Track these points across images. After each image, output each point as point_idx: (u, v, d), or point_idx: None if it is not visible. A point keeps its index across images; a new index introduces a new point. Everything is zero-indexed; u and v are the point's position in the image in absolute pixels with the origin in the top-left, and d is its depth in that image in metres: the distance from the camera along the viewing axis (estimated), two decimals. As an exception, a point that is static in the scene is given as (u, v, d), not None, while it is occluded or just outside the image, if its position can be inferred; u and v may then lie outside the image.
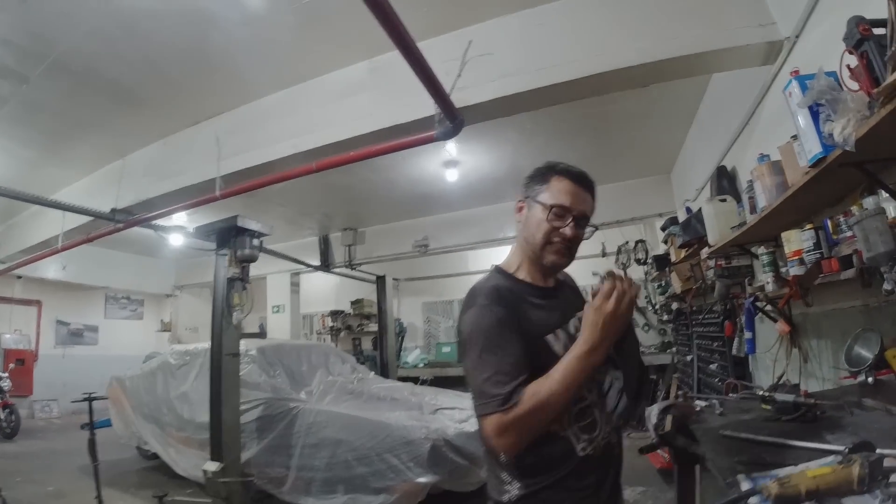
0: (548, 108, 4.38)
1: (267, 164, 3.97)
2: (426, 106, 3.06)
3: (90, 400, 4.03)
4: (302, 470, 4.17)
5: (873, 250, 1.38)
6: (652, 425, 2.02)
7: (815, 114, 1.71)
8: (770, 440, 1.51)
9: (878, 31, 1.43)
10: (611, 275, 1.23)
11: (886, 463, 1.14)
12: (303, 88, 3.95)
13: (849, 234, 1.95)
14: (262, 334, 9.67)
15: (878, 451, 1.18)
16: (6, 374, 8.31)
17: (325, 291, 11.22)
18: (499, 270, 1.43)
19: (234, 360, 4.44)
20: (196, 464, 4.42)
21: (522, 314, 1.28)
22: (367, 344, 10.83)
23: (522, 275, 1.40)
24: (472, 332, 1.25)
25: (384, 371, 8.30)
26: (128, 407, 5.80)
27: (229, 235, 4.48)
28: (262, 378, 4.85)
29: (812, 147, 1.75)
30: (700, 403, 2.23)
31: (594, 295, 1.21)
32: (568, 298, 1.46)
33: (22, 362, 9.79)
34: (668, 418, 2.02)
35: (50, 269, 9.06)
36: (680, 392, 2.41)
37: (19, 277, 9.34)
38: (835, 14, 2.20)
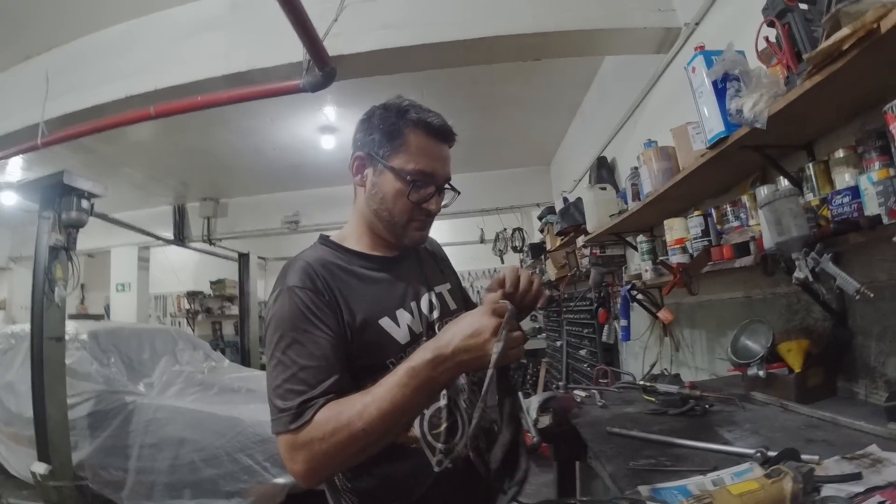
0: (435, 84, 4.16)
1: (98, 108, 3.21)
2: (293, 50, 2.61)
3: None
4: (141, 473, 3.72)
5: (786, 234, 1.27)
6: (531, 421, 1.85)
7: (720, 91, 1.61)
8: (666, 440, 1.38)
9: (802, 6, 1.32)
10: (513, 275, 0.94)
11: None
12: (150, 21, 3.24)
13: (735, 223, 1.92)
14: (101, 316, 8.36)
15: (801, 456, 1.06)
16: None
17: (182, 270, 10.00)
18: (325, 242, 1.12)
19: (58, 346, 3.77)
20: (28, 464, 3.79)
21: (348, 294, 0.99)
22: (228, 328, 10.00)
23: (354, 244, 1.12)
24: (269, 325, 0.96)
25: (246, 359, 7.66)
26: None
27: (54, 195, 3.72)
28: (93, 367, 4.19)
29: (714, 126, 1.65)
30: (579, 394, 2.13)
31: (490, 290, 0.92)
32: (417, 267, 1.16)
33: None
34: (549, 414, 1.88)
35: None
36: (559, 384, 2.27)
37: None
38: (732, 5, 2.18)
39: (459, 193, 1.13)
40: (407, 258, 1.15)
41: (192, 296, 9.87)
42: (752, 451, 1.14)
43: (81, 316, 8.26)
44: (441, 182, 1.08)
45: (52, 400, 3.64)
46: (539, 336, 7.46)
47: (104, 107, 3.16)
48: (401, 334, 1.01)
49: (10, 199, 5.54)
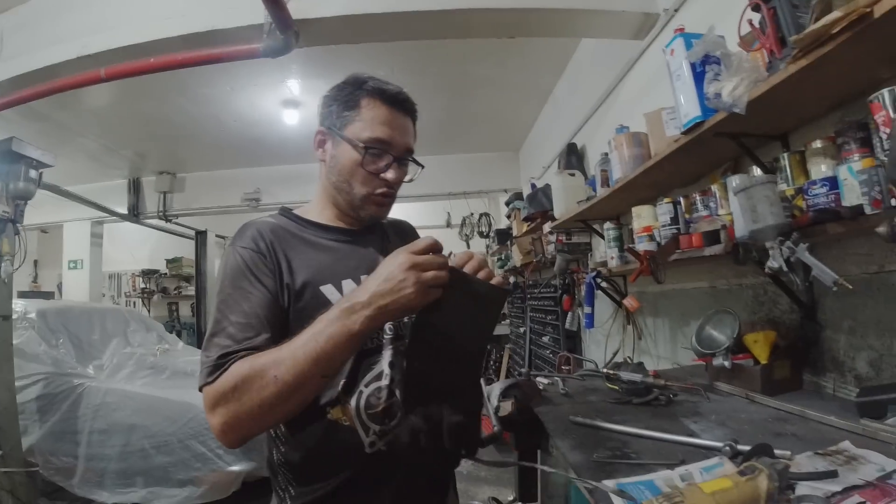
0: (406, 60, 4.03)
1: (49, 69, 2.96)
2: (254, 12, 2.45)
3: None
4: (92, 460, 3.62)
5: (760, 222, 1.24)
6: (492, 409, 1.80)
7: (698, 75, 1.57)
8: (631, 431, 1.34)
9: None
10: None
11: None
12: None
13: (704, 213, 1.91)
14: (51, 294, 7.93)
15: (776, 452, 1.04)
16: None
17: (137, 247, 9.59)
18: (283, 212, 1.11)
19: (5, 325, 3.55)
20: None
21: (294, 256, 0.99)
22: (185, 310, 9.59)
23: (315, 217, 1.10)
24: (217, 283, 1.01)
25: (202, 341, 7.33)
26: None
27: (1, 163, 3.47)
28: (41, 348, 4.01)
29: (689, 110, 1.61)
30: (542, 381, 2.10)
31: None
32: (379, 243, 1.11)
33: None
34: (510, 402, 1.84)
35: None
36: (522, 370, 2.23)
37: None
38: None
39: (423, 167, 1.10)
40: (370, 233, 1.12)
41: (147, 275, 9.47)
42: (720, 445, 1.11)
43: (31, 294, 7.79)
44: (399, 152, 1.04)
45: (0, 382, 3.45)
46: (502, 322, 7.51)
47: (55, 68, 2.91)
48: None
49: None
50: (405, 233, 1.25)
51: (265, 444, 1.02)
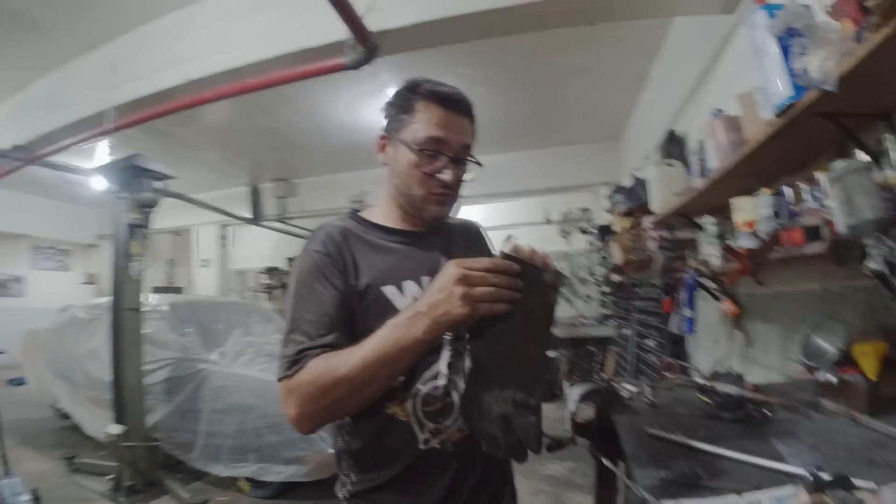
0: (488, 55, 4.00)
1: (160, 94, 3.37)
2: (338, 29, 2.56)
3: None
4: (210, 436, 3.90)
5: (857, 217, 1.06)
6: (569, 414, 1.72)
7: (784, 50, 1.37)
8: (707, 449, 1.22)
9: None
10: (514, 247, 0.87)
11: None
12: (202, 7, 3.34)
13: (812, 205, 1.66)
14: (180, 289, 9.00)
15: (854, 483, 0.89)
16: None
17: (261, 247, 10.47)
18: (350, 215, 1.15)
19: (135, 316, 4.05)
20: (105, 426, 4.10)
21: (359, 258, 1.03)
22: (302, 304, 10.33)
23: (380, 219, 1.12)
24: (291, 282, 1.03)
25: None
26: (41, 363, 5.35)
27: (129, 176, 3.96)
28: (170, 336, 4.45)
29: (780, 89, 1.42)
30: (629, 389, 1.96)
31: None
32: (444, 245, 1.12)
33: (-63, 315, 8.75)
34: (590, 407, 1.74)
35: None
36: (604, 376, 2.10)
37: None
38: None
39: (482, 165, 1.10)
40: (435, 236, 1.13)
41: (270, 272, 10.33)
42: (801, 472, 0.97)
43: (163, 289, 8.92)
44: (455, 151, 1.04)
45: (129, 366, 3.92)
46: (606, 322, 7.19)
47: (167, 92, 3.30)
48: (402, 304, 0.99)
49: (100, 184, 5.89)
50: (471, 234, 1.26)
51: (332, 432, 1.08)
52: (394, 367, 0.86)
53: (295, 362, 0.90)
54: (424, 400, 0.98)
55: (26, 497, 3.24)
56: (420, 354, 0.86)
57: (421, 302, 0.84)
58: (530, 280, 0.82)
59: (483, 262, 0.82)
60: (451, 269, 0.82)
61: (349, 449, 1.03)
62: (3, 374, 6.81)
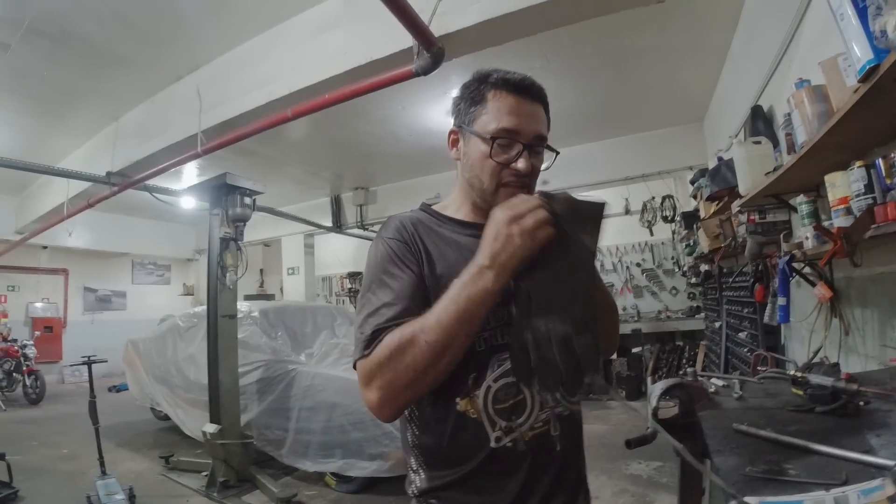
0: (558, 46, 3.94)
1: (244, 115, 3.65)
2: (404, 38, 2.64)
3: (89, 364, 4.09)
4: (300, 433, 4.13)
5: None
6: (650, 409, 1.67)
7: (860, 11, 1.26)
8: (799, 443, 1.14)
9: None
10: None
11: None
12: (277, 31, 3.58)
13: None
14: (271, 296, 9.60)
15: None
16: (31, 342, 8.51)
17: (343, 253, 11.12)
18: (423, 207, 1.15)
19: (230, 322, 4.37)
20: (201, 425, 4.44)
21: (431, 249, 1.03)
22: (387, 307, 10.74)
23: (452, 213, 1.12)
24: (365, 270, 1.04)
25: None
26: (141, 369, 5.90)
27: (220, 194, 4.31)
28: (262, 340, 4.77)
29: (861, 54, 1.30)
30: (716, 383, 1.86)
31: None
32: None
33: (50, 329, 10.10)
34: (674, 403, 1.68)
35: (81, 237, 9.15)
36: (689, 370, 2.02)
37: (45, 247, 9.55)
38: None
39: (559, 153, 1.08)
40: None
41: (352, 276, 10.80)
42: (891, 464, 0.89)
43: (255, 296, 9.56)
44: (528, 139, 1.00)
45: (225, 368, 4.21)
46: (697, 316, 6.81)
47: (250, 114, 3.56)
48: None
49: (189, 203, 6.45)
50: None
51: (401, 426, 1.08)
52: (470, 323, 0.85)
53: (372, 340, 0.89)
54: (496, 396, 0.96)
55: (121, 496, 3.46)
56: (490, 306, 0.86)
57: (480, 256, 0.84)
58: (570, 212, 0.84)
59: (524, 198, 0.85)
60: (498, 215, 0.84)
61: (419, 444, 1.02)
62: (104, 382, 7.18)
